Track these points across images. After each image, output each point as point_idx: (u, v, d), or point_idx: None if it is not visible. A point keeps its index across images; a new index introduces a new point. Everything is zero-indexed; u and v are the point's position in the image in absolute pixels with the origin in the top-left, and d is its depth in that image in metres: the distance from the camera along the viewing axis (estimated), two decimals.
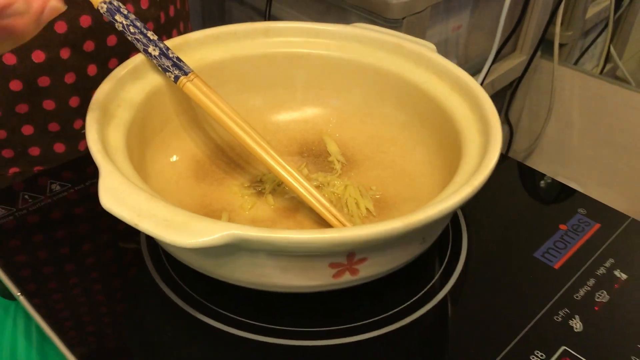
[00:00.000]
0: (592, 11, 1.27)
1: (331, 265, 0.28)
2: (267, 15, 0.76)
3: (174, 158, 0.37)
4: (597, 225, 0.38)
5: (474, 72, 1.00)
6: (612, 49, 1.38)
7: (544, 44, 1.12)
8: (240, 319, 0.31)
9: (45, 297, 0.32)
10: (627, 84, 1.16)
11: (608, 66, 1.43)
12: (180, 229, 0.25)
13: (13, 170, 0.48)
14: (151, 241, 0.35)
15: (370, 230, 0.26)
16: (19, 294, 0.33)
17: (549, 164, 1.25)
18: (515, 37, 1.06)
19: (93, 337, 0.31)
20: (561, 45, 1.22)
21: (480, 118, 0.34)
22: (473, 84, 0.35)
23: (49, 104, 0.46)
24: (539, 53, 1.10)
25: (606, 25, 1.24)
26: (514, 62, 1.07)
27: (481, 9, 0.93)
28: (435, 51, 0.39)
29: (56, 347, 0.35)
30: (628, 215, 0.39)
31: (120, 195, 0.26)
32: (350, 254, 0.28)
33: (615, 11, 1.31)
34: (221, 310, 0.31)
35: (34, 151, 0.48)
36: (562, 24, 1.20)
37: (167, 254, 0.34)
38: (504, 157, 0.46)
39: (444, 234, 0.37)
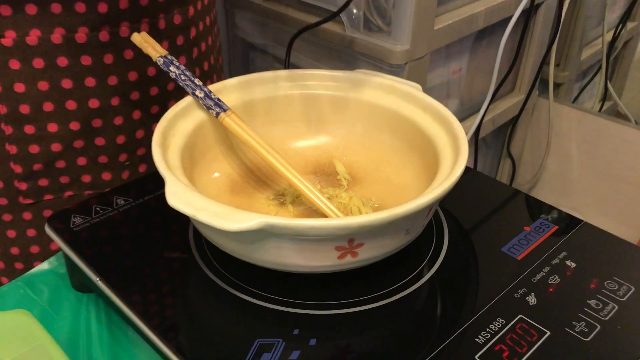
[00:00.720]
0: (587, 52, 1.37)
1: (336, 249, 0.38)
2: (286, 63, 0.87)
3: (215, 175, 0.48)
4: (555, 227, 0.48)
5: (475, 111, 1.10)
6: (610, 87, 1.47)
7: (542, 84, 1.23)
8: (267, 294, 0.41)
9: (118, 281, 0.42)
10: (620, 119, 1.25)
11: (608, 103, 1.53)
12: (226, 218, 0.35)
13: (68, 193, 0.58)
14: (197, 236, 0.45)
15: (364, 218, 0.35)
16: (97, 279, 0.43)
17: (552, 195, 1.34)
18: (514, 77, 1.17)
19: (152, 307, 0.41)
20: (559, 85, 1.32)
21: (453, 140, 0.44)
22: (448, 114, 0.46)
23: (100, 141, 0.57)
24: (536, 91, 1.21)
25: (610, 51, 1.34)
26: (513, 101, 1.17)
27: (480, 53, 1.04)
28: (420, 90, 0.49)
29: (121, 326, 0.45)
30: (581, 219, 0.48)
31: (182, 197, 0.37)
32: (350, 239, 0.37)
33: (611, 52, 1.41)
34: (251, 288, 0.41)
35: (86, 178, 0.58)
36: (558, 65, 1.30)
37: (210, 245, 0.44)
38: (476, 173, 0.56)
39: (429, 232, 0.46)
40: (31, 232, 0.58)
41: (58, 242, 0.46)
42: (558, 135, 1.28)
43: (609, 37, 1.37)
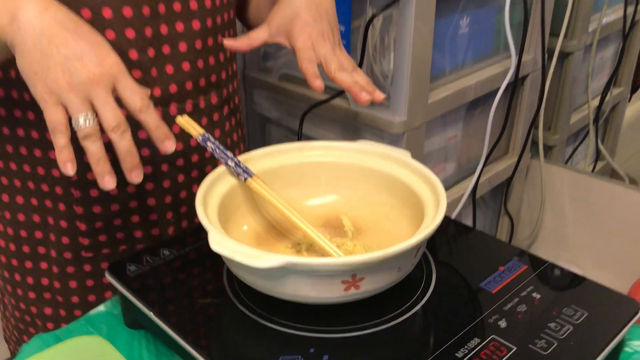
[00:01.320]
0: (577, 116, 1.50)
1: (343, 282, 0.48)
2: (299, 134, 1.00)
3: (244, 228, 0.59)
4: (525, 267, 0.58)
5: (471, 172, 1.21)
6: (602, 148, 1.59)
7: (536, 146, 1.34)
8: (287, 322, 0.51)
9: (167, 315, 0.53)
10: (609, 178, 1.36)
11: (602, 163, 1.64)
12: (257, 258, 0.46)
13: (122, 247, 0.70)
14: (230, 279, 0.56)
15: (363, 257, 0.46)
16: (151, 314, 0.53)
17: (550, 250, 1.43)
18: (506, 141, 1.29)
19: (196, 334, 0.51)
20: (551, 147, 1.44)
21: (436, 198, 0.55)
22: (432, 176, 0.57)
23: (151, 201, 0.69)
24: (528, 154, 1.32)
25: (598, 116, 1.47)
26: (507, 163, 1.28)
27: (473, 121, 1.16)
28: (410, 156, 0.61)
29: (168, 355, 0.56)
30: (546, 260, 0.59)
31: (221, 243, 0.48)
32: (353, 274, 0.48)
33: (600, 116, 1.54)
34: (275, 317, 0.51)
35: (138, 234, 0.70)
36: (549, 129, 1.42)
37: (241, 284, 0.55)
38: (456, 224, 0.67)
39: (420, 272, 0.57)
40: (89, 283, 0.69)
41: (117, 286, 0.57)
42: (552, 194, 1.39)
43: (596, 102, 1.50)
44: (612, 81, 1.50)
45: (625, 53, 1.52)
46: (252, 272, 0.50)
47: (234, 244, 0.48)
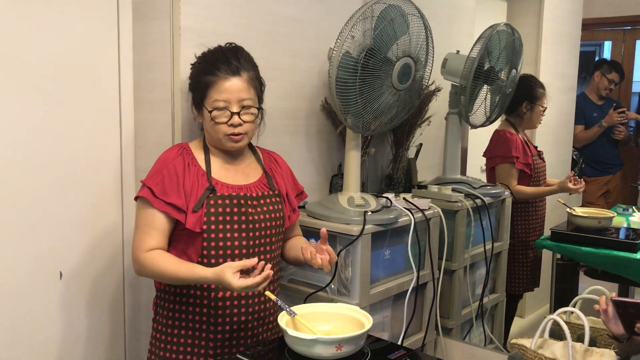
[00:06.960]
0: (468, 309, 2.53)
1: (336, 348, 1.46)
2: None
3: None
4: None
5: (397, 340, 2.19)
6: (488, 331, 2.61)
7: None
8: None
9: None
10: (495, 350, 2.35)
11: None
12: (302, 336, 1.44)
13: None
14: (288, 349, 1.52)
15: (343, 335, 1.45)
16: None
17: None
18: (420, 322, 2.29)
19: None
20: (450, 329, 2.44)
21: (369, 322, 1.55)
22: (366, 314, 1.57)
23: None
24: (434, 331, 2.32)
25: (483, 312, 2.50)
26: (420, 336, 2.28)
27: (397, 307, 2.18)
28: (359, 308, 1.62)
29: None
30: None
31: (293, 334, 1.46)
32: (339, 345, 1.46)
33: (485, 312, 2.57)
34: None
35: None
36: (449, 317, 2.44)
37: (289, 350, 1.51)
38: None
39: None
40: None
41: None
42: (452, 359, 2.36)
43: (486, 299, 2.54)
44: (484, 291, 2.56)
45: (498, 270, 2.62)
46: (299, 342, 1.46)
47: (297, 333, 1.46)
